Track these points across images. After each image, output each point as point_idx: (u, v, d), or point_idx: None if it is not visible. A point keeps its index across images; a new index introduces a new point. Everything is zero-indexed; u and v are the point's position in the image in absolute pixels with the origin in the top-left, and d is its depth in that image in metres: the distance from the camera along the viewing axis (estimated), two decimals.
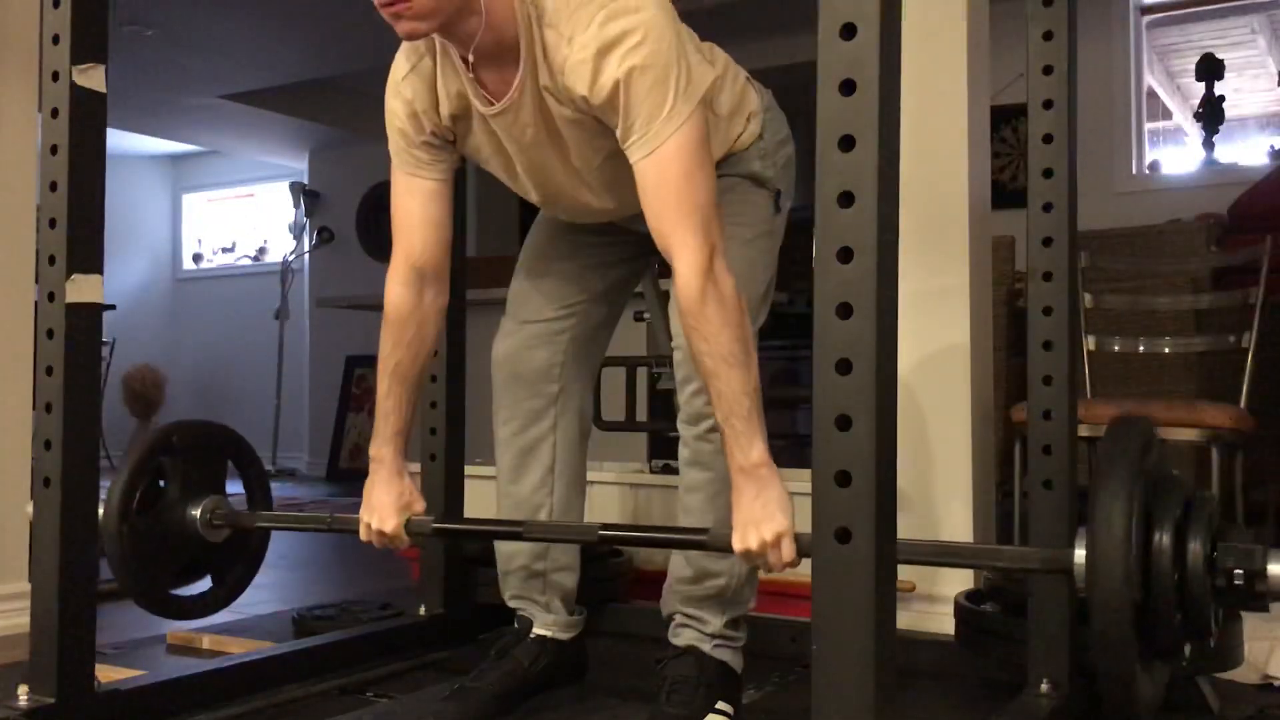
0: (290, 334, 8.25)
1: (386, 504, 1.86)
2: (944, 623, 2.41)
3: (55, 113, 1.76)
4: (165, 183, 9.57)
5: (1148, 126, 6.07)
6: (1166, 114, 6.82)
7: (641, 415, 3.42)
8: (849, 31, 1.16)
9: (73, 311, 1.75)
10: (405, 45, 1.79)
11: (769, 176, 1.95)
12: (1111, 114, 5.80)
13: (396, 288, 1.86)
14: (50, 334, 1.76)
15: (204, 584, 2.13)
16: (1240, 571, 1.40)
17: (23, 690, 1.74)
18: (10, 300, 2.69)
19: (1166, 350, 3.31)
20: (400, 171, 1.85)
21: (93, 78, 1.77)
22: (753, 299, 1.84)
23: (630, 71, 1.59)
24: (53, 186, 1.76)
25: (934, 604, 2.54)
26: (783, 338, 4.72)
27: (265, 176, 9.04)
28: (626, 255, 2.11)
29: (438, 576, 2.47)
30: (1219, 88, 5.91)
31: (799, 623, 2.27)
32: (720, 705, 1.85)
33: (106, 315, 1.93)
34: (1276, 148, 5.96)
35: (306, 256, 8.39)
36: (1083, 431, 2.52)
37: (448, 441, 2.42)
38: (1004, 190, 5.22)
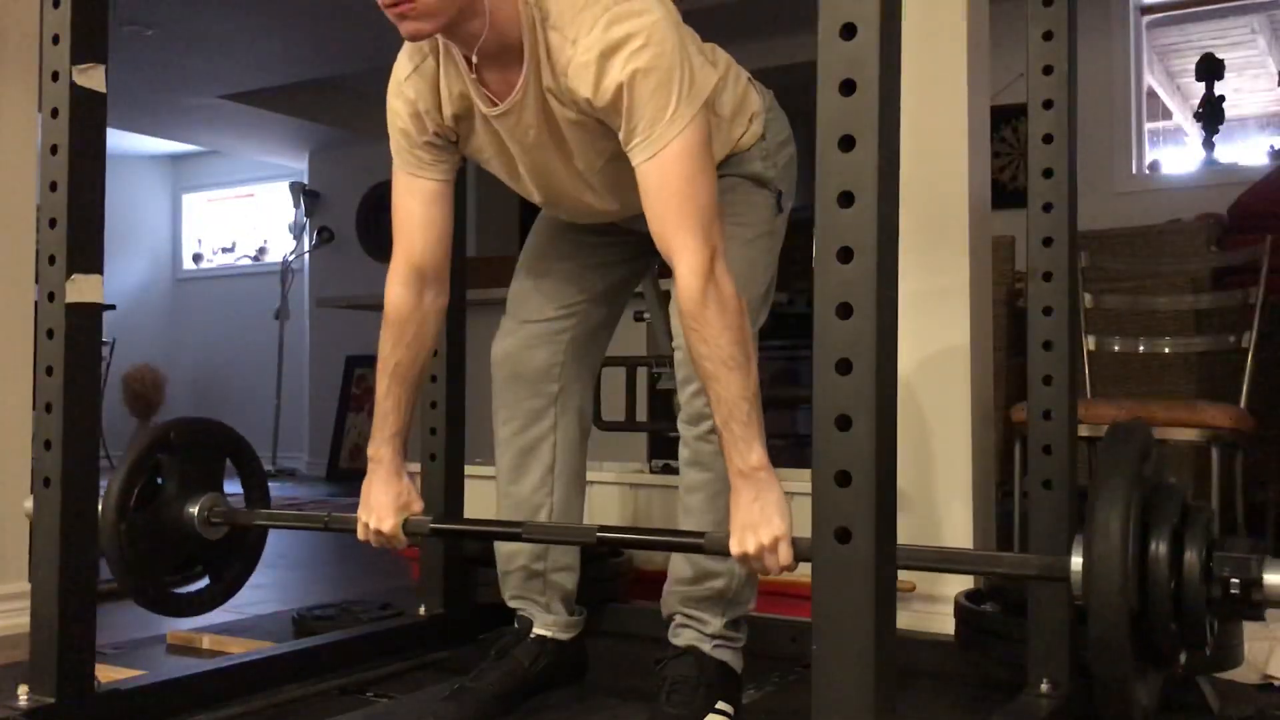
0: (290, 334, 8.25)
1: (384, 504, 1.86)
2: (944, 623, 2.41)
3: (55, 113, 1.76)
4: (165, 183, 9.57)
5: (1148, 126, 6.06)
6: (1166, 114, 6.81)
7: (641, 415, 3.42)
8: (849, 31, 1.16)
9: (73, 311, 1.75)
10: (408, 45, 1.79)
11: (770, 177, 1.95)
12: (1111, 114, 5.80)
13: (396, 288, 1.86)
14: (50, 334, 1.76)
15: (201, 581, 2.13)
16: (1236, 581, 1.40)
17: (23, 690, 1.74)
18: (10, 300, 2.69)
19: (1166, 350, 3.31)
20: (402, 172, 1.85)
21: (93, 78, 1.77)
22: (753, 299, 1.84)
23: (634, 75, 1.60)
24: (53, 186, 1.76)
25: (934, 604, 2.54)
26: (783, 338, 4.72)
27: (265, 176, 9.04)
28: (627, 255, 2.11)
29: (438, 576, 2.47)
30: (1219, 88, 5.90)
31: (799, 623, 2.27)
32: (720, 705, 1.85)
33: (106, 315, 1.93)
34: (1276, 148, 5.95)
35: (306, 256, 8.39)
36: (1083, 431, 2.53)
37: (448, 441, 2.42)
38: (1004, 190, 5.22)
